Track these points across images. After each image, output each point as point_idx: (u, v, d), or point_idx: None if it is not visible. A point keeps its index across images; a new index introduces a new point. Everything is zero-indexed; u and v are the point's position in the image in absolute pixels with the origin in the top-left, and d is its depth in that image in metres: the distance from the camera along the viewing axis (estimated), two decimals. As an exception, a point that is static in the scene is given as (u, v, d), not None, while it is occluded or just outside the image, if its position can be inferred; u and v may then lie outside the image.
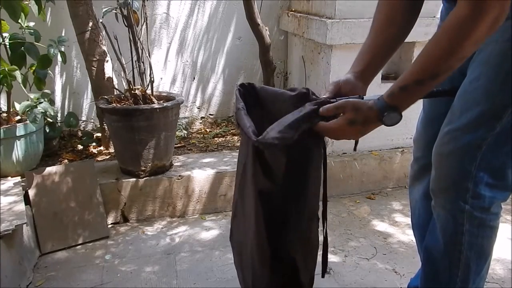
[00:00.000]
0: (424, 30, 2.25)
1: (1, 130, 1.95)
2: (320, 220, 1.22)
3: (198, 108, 2.92)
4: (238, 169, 1.25)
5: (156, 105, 2.05)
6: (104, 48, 2.31)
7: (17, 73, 1.96)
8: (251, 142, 1.04)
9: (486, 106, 1.01)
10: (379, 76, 2.31)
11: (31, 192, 1.92)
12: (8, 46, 2.02)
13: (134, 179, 2.12)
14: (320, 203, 1.19)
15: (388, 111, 0.95)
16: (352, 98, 1.02)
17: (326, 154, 1.15)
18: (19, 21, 1.97)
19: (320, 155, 1.13)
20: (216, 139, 2.71)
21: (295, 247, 1.17)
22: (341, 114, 0.99)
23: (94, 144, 2.54)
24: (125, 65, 2.13)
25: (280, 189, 1.11)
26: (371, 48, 1.13)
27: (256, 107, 1.19)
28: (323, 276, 1.29)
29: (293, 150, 1.05)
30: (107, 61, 2.33)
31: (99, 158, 2.40)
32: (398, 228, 2.07)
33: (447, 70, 0.90)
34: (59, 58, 2.07)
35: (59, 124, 2.48)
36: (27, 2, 2.03)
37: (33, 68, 2.12)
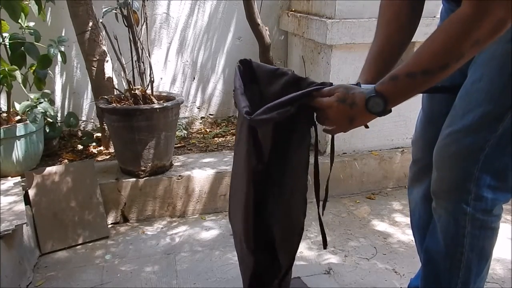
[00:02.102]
0: (424, 30, 2.24)
1: (1, 130, 1.95)
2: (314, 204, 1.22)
3: (198, 108, 2.92)
4: (234, 150, 1.26)
5: (156, 105, 2.05)
6: (104, 48, 2.31)
7: (17, 73, 1.96)
8: (246, 122, 1.06)
9: (488, 108, 1.00)
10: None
11: (31, 192, 1.92)
12: (8, 46, 2.02)
13: (134, 179, 2.12)
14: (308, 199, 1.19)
15: (373, 97, 0.92)
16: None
17: (317, 136, 1.14)
18: (19, 21, 1.97)
19: (305, 138, 1.13)
20: (216, 139, 2.71)
21: (275, 227, 1.18)
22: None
23: (94, 144, 2.54)
24: (125, 65, 2.13)
25: (266, 167, 1.12)
26: (377, 55, 1.11)
27: (253, 82, 1.21)
28: (324, 248, 1.28)
29: (280, 129, 1.07)
30: (107, 61, 2.33)
31: (99, 158, 2.40)
32: (398, 228, 2.07)
33: (442, 69, 0.86)
34: (59, 58, 2.07)
35: (59, 124, 2.48)
36: (27, 2, 2.03)
37: (33, 68, 2.11)
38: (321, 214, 1.18)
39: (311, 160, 1.16)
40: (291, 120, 1.03)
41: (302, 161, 1.15)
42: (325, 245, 1.23)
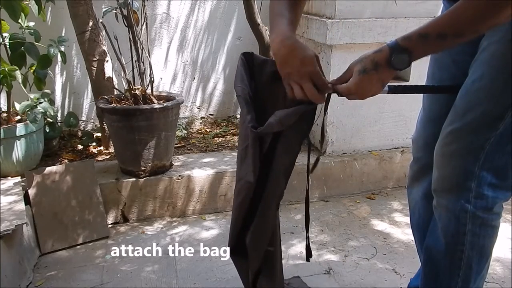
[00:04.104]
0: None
1: (1, 130, 1.95)
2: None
3: (198, 108, 2.92)
4: (239, 151, 1.26)
5: (156, 105, 2.05)
6: (104, 48, 2.31)
7: (17, 73, 1.96)
8: (252, 134, 1.07)
9: (489, 106, 1.01)
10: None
11: (31, 192, 1.92)
12: (8, 46, 2.02)
13: (134, 179, 2.12)
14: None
15: (398, 53, 0.91)
16: None
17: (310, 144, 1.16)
18: (19, 21, 1.97)
19: (296, 145, 1.14)
20: (216, 139, 2.71)
21: (250, 230, 1.21)
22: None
23: (94, 144, 2.54)
24: (125, 65, 2.13)
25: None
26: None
27: (251, 79, 1.21)
28: (307, 260, 1.30)
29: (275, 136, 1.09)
30: (107, 61, 2.33)
31: (99, 158, 2.40)
32: (398, 228, 2.07)
33: (474, 33, 0.88)
34: (59, 58, 2.07)
35: (59, 124, 2.48)
36: (27, 2, 2.03)
37: (33, 68, 2.12)
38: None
39: (312, 160, 1.16)
40: (288, 128, 1.05)
41: (287, 168, 1.16)
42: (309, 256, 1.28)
